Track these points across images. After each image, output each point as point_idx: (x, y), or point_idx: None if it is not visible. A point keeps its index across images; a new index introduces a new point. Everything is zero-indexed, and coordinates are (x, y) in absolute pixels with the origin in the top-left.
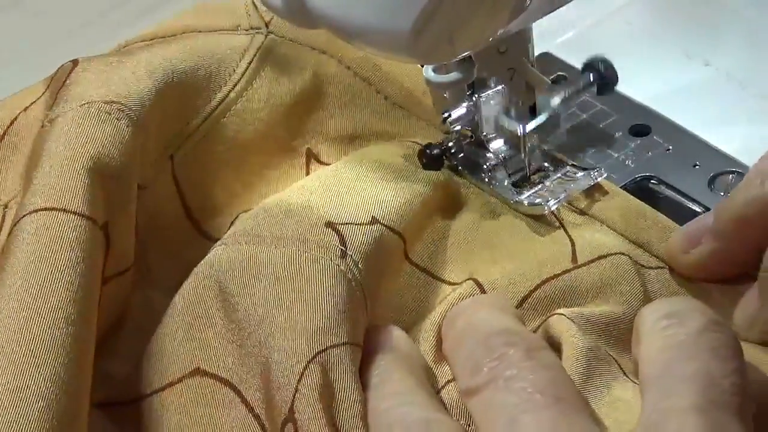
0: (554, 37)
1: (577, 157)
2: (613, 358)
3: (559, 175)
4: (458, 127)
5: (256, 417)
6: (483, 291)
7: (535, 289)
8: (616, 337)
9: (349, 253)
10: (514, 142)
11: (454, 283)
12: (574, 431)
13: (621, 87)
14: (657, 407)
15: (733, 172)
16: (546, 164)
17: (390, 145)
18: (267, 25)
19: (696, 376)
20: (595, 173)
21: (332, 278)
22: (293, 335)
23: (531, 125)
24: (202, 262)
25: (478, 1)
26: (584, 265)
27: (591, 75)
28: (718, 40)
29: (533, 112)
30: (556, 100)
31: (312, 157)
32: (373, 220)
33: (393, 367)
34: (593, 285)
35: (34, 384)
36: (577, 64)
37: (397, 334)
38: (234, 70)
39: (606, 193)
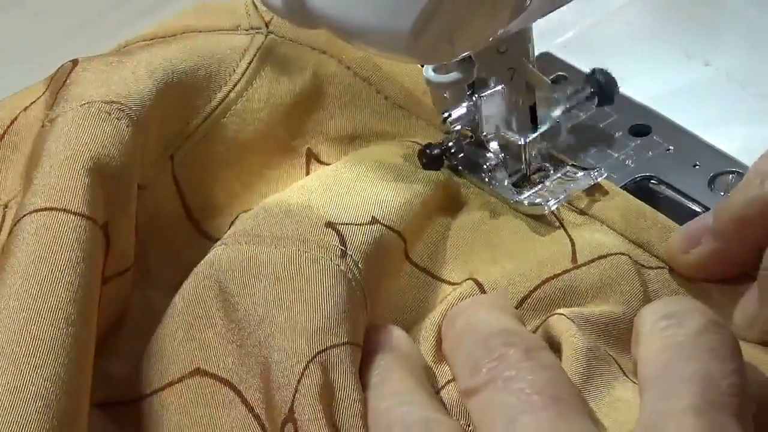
0: (554, 37)
1: (577, 157)
2: (613, 358)
3: (559, 175)
4: (458, 127)
5: (256, 417)
6: (483, 291)
7: (535, 289)
8: (616, 337)
9: (349, 253)
10: (515, 151)
11: (454, 283)
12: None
13: (621, 87)
14: (656, 408)
15: (733, 172)
16: (546, 164)
17: (390, 145)
18: (267, 25)
19: (695, 376)
20: (595, 173)
21: (332, 278)
22: (293, 335)
23: (532, 137)
24: (202, 262)
25: (478, 1)
26: (584, 265)
27: (591, 87)
28: (718, 40)
29: (533, 113)
30: (556, 112)
31: (312, 157)
32: (373, 220)
33: (393, 366)
34: (593, 285)
35: (33, 384)
36: (577, 64)
37: (397, 333)
38: (234, 70)
39: (606, 193)
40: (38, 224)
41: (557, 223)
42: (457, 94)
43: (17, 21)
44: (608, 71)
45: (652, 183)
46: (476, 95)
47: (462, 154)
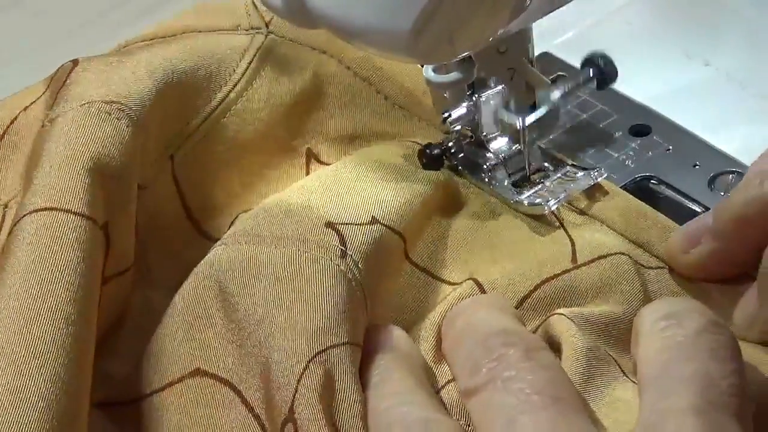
0: (554, 37)
1: (577, 157)
2: (613, 358)
3: (559, 175)
4: (458, 127)
5: (256, 417)
6: (483, 291)
7: (535, 289)
8: (616, 337)
9: (349, 253)
10: (513, 136)
11: (454, 283)
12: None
13: (621, 87)
14: (655, 408)
15: (733, 172)
16: (546, 164)
17: (390, 145)
18: (267, 25)
19: (694, 377)
20: (595, 173)
21: (332, 278)
22: (293, 335)
23: (530, 118)
24: (202, 262)
25: (478, 1)
26: (584, 265)
27: (591, 70)
28: (718, 40)
29: (533, 108)
30: (556, 94)
31: (312, 157)
32: (373, 220)
33: (393, 366)
34: (593, 285)
35: (34, 384)
36: (577, 64)
37: (397, 333)
38: (234, 70)
39: (606, 193)
40: (38, 224)
41: (557, 223)
42: (457, 94)
43: (17, 21)
44: (607, 55)
45: (652, 183)
46: (476, 95)
47: (462, 154)
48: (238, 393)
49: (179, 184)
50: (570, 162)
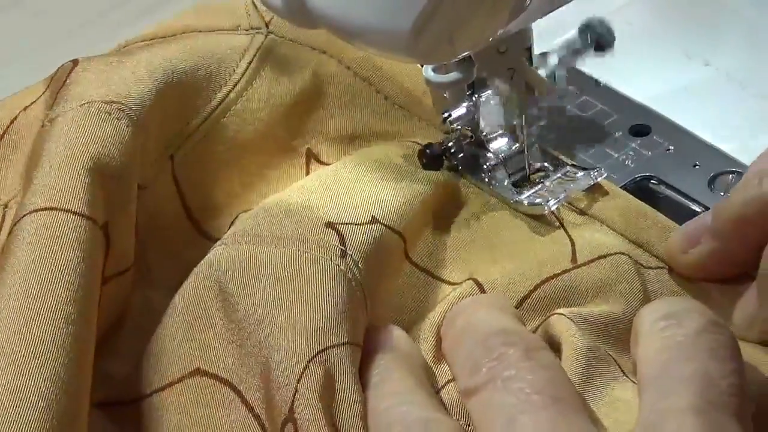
0: (554, 37)
1: (577, 157)
2: (613, 358)
3: (559, 175)
4: (458, 127)
5: (256, 417)
6: (483, 291)
7: (535, 289)
8: (616, 336)
9: (349, 253)
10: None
11: (454, 283)
12: (573, 431)
13: (621, 87)
14: (655, 408)
15: (733, 172)
16: (546, 164)
17: (390, 145)
18: (267, 25)
19: (694, 376)
20: (595, 173)
21: (332, 278)
22: (293, 335)
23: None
24: (202, 262)
25: (478, 1)
26: (584, 264)
27: (588, 35)
28: (718, 40)
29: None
30: (553, 59)
31: (312, 157)
32: (373, 220)
33: (393, 366)
34: (593, 285)
35: (34, 384)
36: (577, 64)
37: (397, 333)
38: (234, 70)
39: (606, 193)
40: (38, 224)
41: (557, 223)
42: (457, 94)
43: (17, 21)
44: (605, 20)
45: (652, 183)
46: (476, 95)
47: (462, 154)
48: (238, 393)
49: (179, 184)
50: (570, 162)
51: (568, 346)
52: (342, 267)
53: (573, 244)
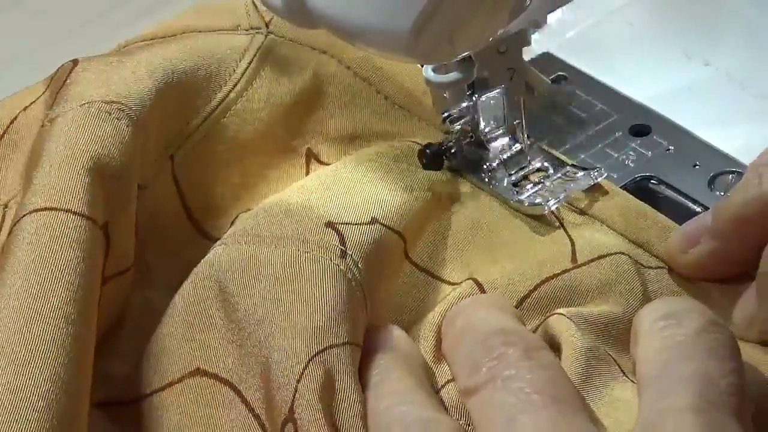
0: (554, 37)
1: (577, 157)
2: (613, 358)
3: (559, 175)
4: (458, 127)
5: (256, 417)
6: (483, 291)
7: (535, 288)
8: (616, 336)
9: (349, 253)
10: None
11: (453, 283)
12: (572, 431)
13: (621, 87)
14: (654, 407)
15: (733, 172)
16: (546, 164)
17: (390, 145)
18: (267, 25)
19: (693, 376)
20: (595, 173)
21: (332, 278)
22: (293, 335)
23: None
24: (202, 261)
25: (478, 1)
26: (584, 264)
27: None
28: (718, 40)
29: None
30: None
31: (312, 157)
32: (373, 220)
33: (392, 366)
34: (593, 285)
35: (34, 384)
36: (577, 64)
37: (396, 333)
38: (234, 70)
39: (606, 193)
40: (38, 224)
41: (557, 223)
42: (457, 94)
43: (17, 21)
44: None
45: (652, 183)
46: (476, 95)
47: (462, 154)
48: (238, 393)
49: (179, 184)
50: (570, 162)
51: (567, 345)
52: (342, 267)
53: (573, 244)
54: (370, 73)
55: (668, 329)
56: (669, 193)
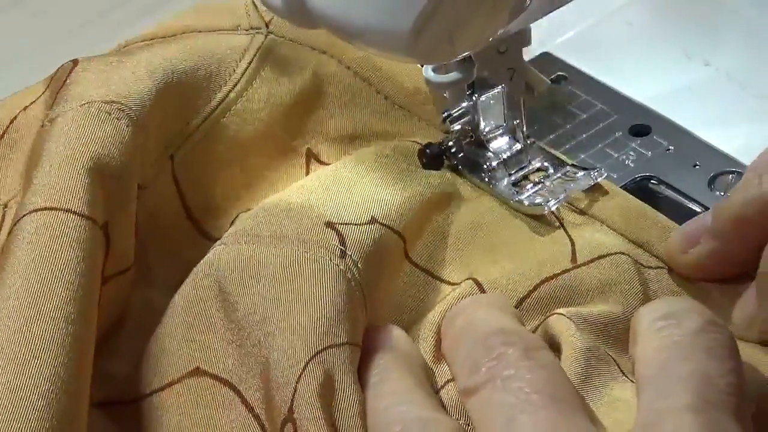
0: (554, 37)
1: (577, 157)
2: (612, 358)
3: (559, 175)
4: (458, 127)
5: (256, 417)
6: (482, 291)
7: (535, 288)
8: (615, 336)
9: (349, 252)
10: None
11: (453, 283)
12: (572, 431)
13: (621, 87)
14: (653, 407)
15: (733, 172)
16: (546, 164)
17: (390, 145)
18: (267, 25)
19: (692, 376)
20: (595, 173)
21: (332, 278)
22: (292, 335)
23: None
24: (201, 261)
25: (478, 1)
26: (584, 264)
27: None
28: (718, 40)
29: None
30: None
31: (312, 157)
32: (373, 220)
33: (392, 366)
34: (593, 285)
35: (33, 383)
36: (577, 64)
37: (396, 333)
38: (234, 70)
39: (606, 193)
40: (38, 224)
41: (557, 223)
42: (457, 94)
43: (17, 21)
44: None
45: (652, 183)
46: (476, 95)
47: (462, 154)
48: (238, 393)
49: (179, 184)
50: (570, 162)
51: (567, 345)
52: (341, 267)
53: (573, 244)
54: (370, 73)
55: (667, 329)
56: (669, 193)
